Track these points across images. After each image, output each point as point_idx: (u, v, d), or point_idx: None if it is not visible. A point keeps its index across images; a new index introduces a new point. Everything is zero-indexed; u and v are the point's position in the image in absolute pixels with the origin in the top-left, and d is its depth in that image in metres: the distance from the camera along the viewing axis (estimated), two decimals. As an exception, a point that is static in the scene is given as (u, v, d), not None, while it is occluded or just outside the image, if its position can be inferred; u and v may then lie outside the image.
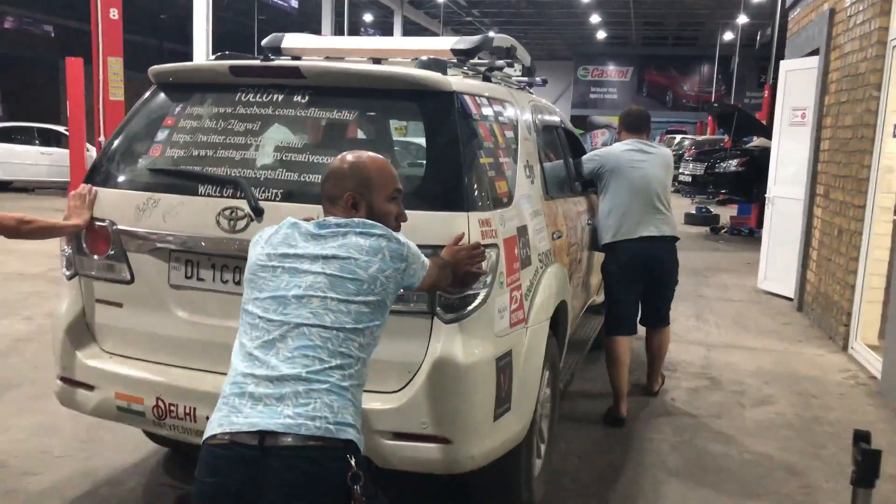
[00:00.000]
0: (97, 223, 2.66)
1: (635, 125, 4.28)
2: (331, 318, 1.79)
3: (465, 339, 2.32)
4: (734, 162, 12.68)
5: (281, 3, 19.98)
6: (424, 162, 2.44)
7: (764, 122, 12.88)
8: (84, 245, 2.70)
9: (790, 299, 7.35)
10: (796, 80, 7.47)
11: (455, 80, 2.57)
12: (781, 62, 7.96)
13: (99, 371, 2.65)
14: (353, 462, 1.68)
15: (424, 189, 2.39)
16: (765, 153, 11.16)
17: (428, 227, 2.28)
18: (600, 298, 4.84)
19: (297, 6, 20.35)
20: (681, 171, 14.10)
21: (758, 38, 23.70)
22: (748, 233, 12.93)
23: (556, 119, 4.14)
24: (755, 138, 13.65)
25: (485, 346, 2.38)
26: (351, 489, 1.67)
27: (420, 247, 2.14)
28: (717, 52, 31.10)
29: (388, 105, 2.58)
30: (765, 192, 7.99)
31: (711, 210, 14.81)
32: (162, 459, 3.39)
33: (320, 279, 1.82)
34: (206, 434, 1.74)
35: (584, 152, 4.60)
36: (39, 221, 2.57)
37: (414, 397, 2.29)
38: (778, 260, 7.67)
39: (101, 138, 7.75)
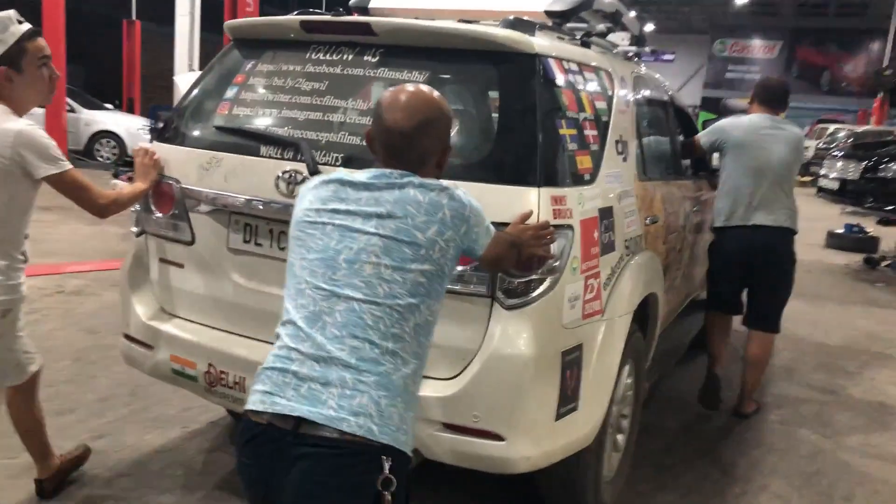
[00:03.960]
0: (164, 181, 2.70)
1: (772, 98, 3.93)
2: (384, 289, 1.66)
3: (527, 328, 2.18)
4: None
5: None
6: (495, 128, 2.30)
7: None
8: (150, 203, 2.74)
9: None
10: None
11: (539, 42, 2.41)
12: None
13: (157, 331, 2.70)
14: (387, 466, 1.59)
15: (493, 160, 2.25)
16: None
17: (493, 201, 2.13)
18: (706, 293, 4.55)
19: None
20: (824, 172, 10.42)
21: None
22: None
23: (664, 95, 3.87)
24: None
25: (549, 338, 2.23)
26: (381, 494, 1.58)
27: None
28: (893, 23, 25.26)
29: (464, 67, 2.45)
30: None
31: (867, 230, 10.20)
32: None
33: (374, 241, 1.68)
34: (248, 406, 1.69)
35: (696, 133, 4.30)
36: (124, 196, 2.64)
37: (466, 387, 2.18)
38: None
39: None
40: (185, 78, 9.91)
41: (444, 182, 1.76)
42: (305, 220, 1.79)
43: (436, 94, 1.81)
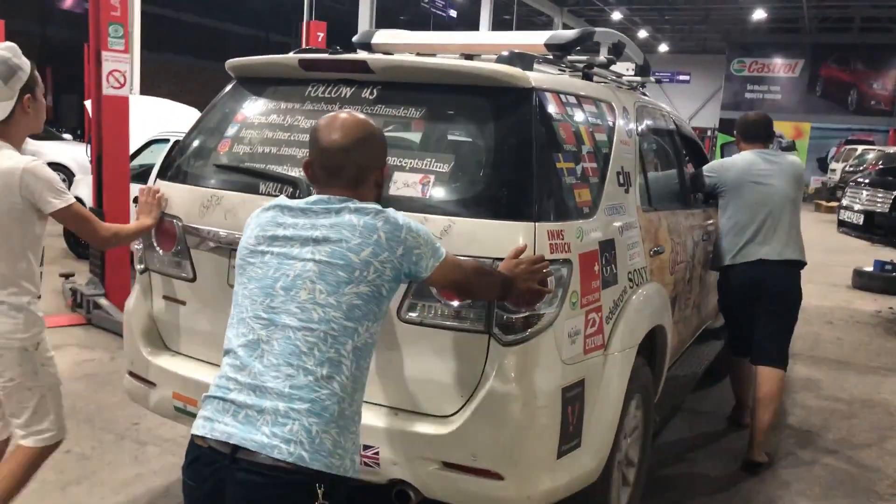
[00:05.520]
0: (166, 219, 2.74)
1: (752, 134, 3.96)
2: (318, 313, 1.72)
3: (525, 364, 2.18)
4: None
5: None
6: (491, 164, 2.32)
7: None
8: (153, 241, 2.79)
9: None
10: None
11: (535, 76, 2.44)
12: None
13: (159, 369, 2.73)
14: (320, 492, 1.65)
15: (489, 194, 2.26)
16: None
17: (489, 237, 2.16)
18: (720, 322, 4.52)
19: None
20: (846, 202, 8.55)
21: None
22: None
23: (669, 124, 3.88)
24: None
25: (548, 374, 2.23)
26: None
27: (478, 259, 2.04)
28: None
29: (460, 102, 2.47)
30: None
31: None
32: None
33: (309, 266, 1.76)
34: (193, 430, 1.78)
35: (706, 161, 4.31)
36: (126, 231, 2.71)
37: (464, 425, 2.18)
38: None
39: None
40: None
41: (378, 206, 1.83)
42: (247, 249, 1.87)
43: (358, 119, 1.92)
